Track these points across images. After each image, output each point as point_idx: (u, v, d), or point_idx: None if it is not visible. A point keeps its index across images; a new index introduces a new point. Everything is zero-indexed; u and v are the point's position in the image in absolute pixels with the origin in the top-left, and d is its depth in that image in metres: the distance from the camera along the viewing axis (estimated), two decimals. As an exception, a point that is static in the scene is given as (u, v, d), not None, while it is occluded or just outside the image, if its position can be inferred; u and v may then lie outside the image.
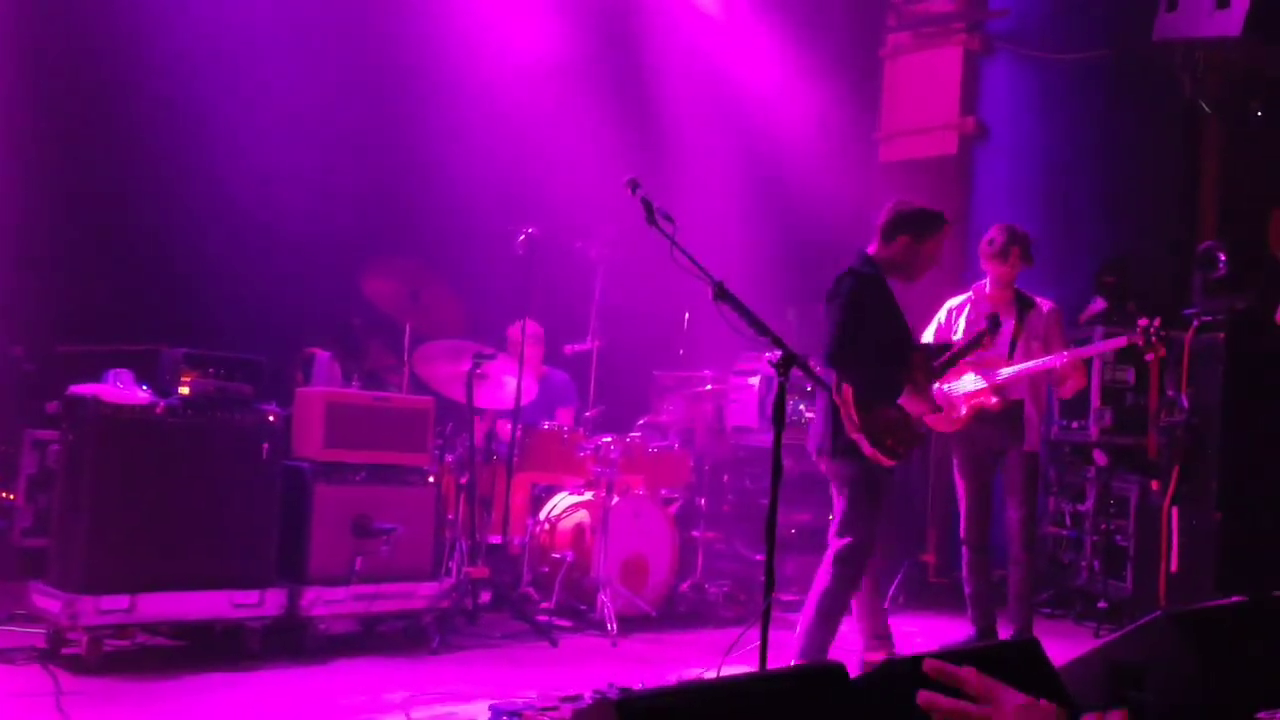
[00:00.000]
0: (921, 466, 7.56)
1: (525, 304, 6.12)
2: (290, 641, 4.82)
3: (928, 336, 5.77)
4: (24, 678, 4.18)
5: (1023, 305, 5.66)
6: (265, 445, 4.81)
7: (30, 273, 6.16)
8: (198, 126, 6.52)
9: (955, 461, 5.70)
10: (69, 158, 6.48)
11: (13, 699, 3.93)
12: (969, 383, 5.54)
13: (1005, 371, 5.46)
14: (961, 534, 5.64)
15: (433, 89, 7.32)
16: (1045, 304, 5.73)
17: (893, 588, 6.78)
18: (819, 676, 1.93)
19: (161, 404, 4.59)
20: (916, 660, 2.00)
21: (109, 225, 6.61)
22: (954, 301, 5.85)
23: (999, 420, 5.51)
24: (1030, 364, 5.44)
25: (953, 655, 2.18)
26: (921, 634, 6.14)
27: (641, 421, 6.64)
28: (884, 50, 8.92)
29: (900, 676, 1.91)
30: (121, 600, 4.37)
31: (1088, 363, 6.12)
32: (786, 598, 6.81)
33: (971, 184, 8.44)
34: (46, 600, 4.45)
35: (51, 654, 4.41)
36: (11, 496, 5.92)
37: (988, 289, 5.73)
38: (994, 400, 5.47)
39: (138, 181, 6.58)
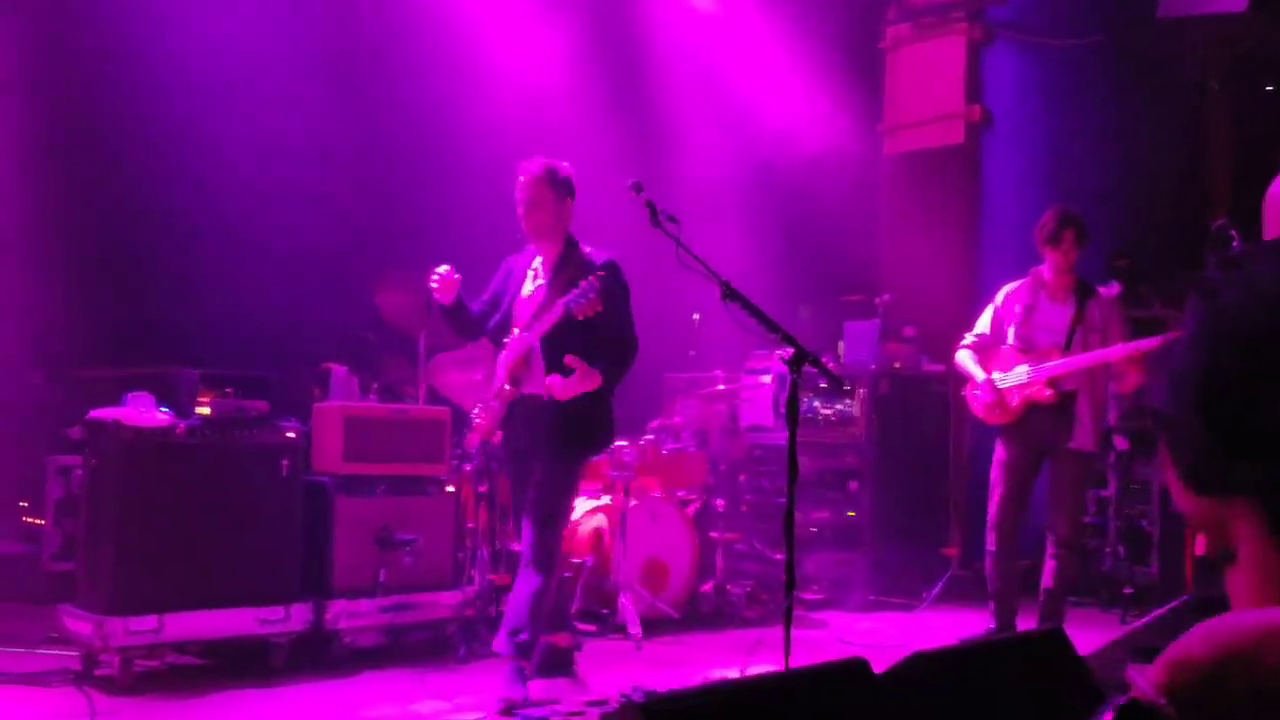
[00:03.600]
0: (941, 457, 7.55)
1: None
2: (317, 655, 4.86)
3: (983, 321, 5.58)
4: (60, 700, 4.23)
5: (1083, 292, 5.39)
6: (285, 461, 4.85)
7: (48, 300, 6.23)
8: (209, 151, 6.60)
9: (1000, 455, 5.44)
10: (82, 188, 6.58)
11: (48, 722, 3.98)
12: (1021, 374, 5.33)
13: (1058, 364, 5.22)
14: (990, 528, 5.45)
15: (438, 103, 7.37)
16: (1109, 290, 5.47)
17: (936, 589, 6.77)
18: (842, 673, 1.95)
19: (182, 425, 4.64)
20: (940, 654, 2.02)
21: (123, 251, 6.70)
22: (1010, 286, 5.59)
23: (1052, 415, 5.27)
24: (1084, 356, 5.20)
25: (978, 647, 2.20)
26: (944, 627, 6.15)
27: (654, 424, 6.65)
28: (884, 43, 8.92)
29: (925, 671, 1.93)
30: (150, 621, 4.42)
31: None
32: (809, 596, 6.83)
33: (980, 172, 8.43)
34: (77, 623, 4.50)
35: (85, 675, 4.46)
36: (40, 521, 5.99)
37: (1046, 274, 5.46)
38: (1047, 393, 5.23)
39: (150, 208, 6.68)
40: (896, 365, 7.35)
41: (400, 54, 7.40)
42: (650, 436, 6.43)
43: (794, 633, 3.58)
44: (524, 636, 4.26)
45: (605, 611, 5.89)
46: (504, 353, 4.49)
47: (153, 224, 6.71)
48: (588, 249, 4.53)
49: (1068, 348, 5.28)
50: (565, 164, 4.53)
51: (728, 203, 8.33)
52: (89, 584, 4.59)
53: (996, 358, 5.48)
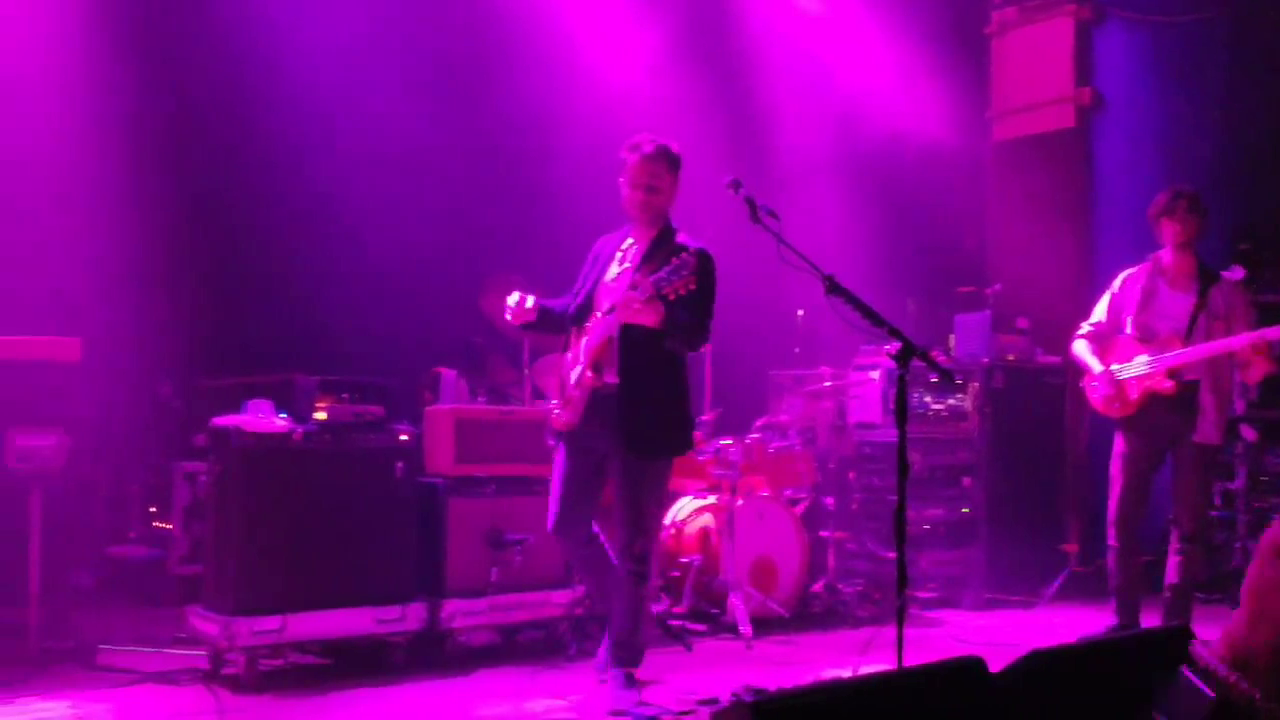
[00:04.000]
0: (1057, 451, 7.36)
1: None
2: (432, 654, 4.95)
3: (1100, 309, 5.42)
4: (189, 698, 4.39)
5: (1205, 278, 5.18)
6: (399, 464, 4.95)
7: (175, 314, 6.48)
8: (323, 164, 6.83)
9: (1120, 448, 5.28)
10: (205, 207, 6.87)
11: (180, 719, 4.13)
12: (1140, 365, 5.16)
13: (1179, 353, 5.03)
14: (1111, 523, 5.28)
15: (536, 105, 7.46)
16: (1232, 275, 5.26)
17: (1055, 585, 6.62)
18: (957, 672, 1.91)
19: (300, 431, 4.77)
20: (1057, 652, 1.97)
21: (244, 265, 6.97)
22: (1128, 271, 5.42)
23: (1174, 406, 5.09)
24: (1206, 346, 4.99)
25: (1098, 645, 2.13)
26: (1064, 625, 5.99)
27: (760, 422, 6.61)
28: (990, 28, 8.74)
29: (1041, 669, 1.89)
30: (273, 621, 4.55)
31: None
32: (923, 594, 6.73)
33: (1092, 156, 8.20)
34: (204, 623, 4.66)
35: (213, 674, 4.62)
36: (168, 526, 6.23)
37: (1165, 259, 5.28)
38: (1168, 384, 5.04)
39: (268, 222, 6.94)
40: (1010, 357, 7.19)
41: (497, 59, 7.52)
42: (756, 435, 6.40)
43: (908, 632, 3.53)
44: (629, 645, 4.28)
45: (715, 611, 5.88)
46: (586, 338, 4.29)
47: (272, 238, 6.96)
48: (684, 236, 4.35)
49: (1189, 336, 5.09)
50: (675, 143, 4.41)
51: (831, 196, 8.26)
52: (215, 586, 4.75)
53: (1115, 347, 5.32)
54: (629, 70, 7.82)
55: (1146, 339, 5.18)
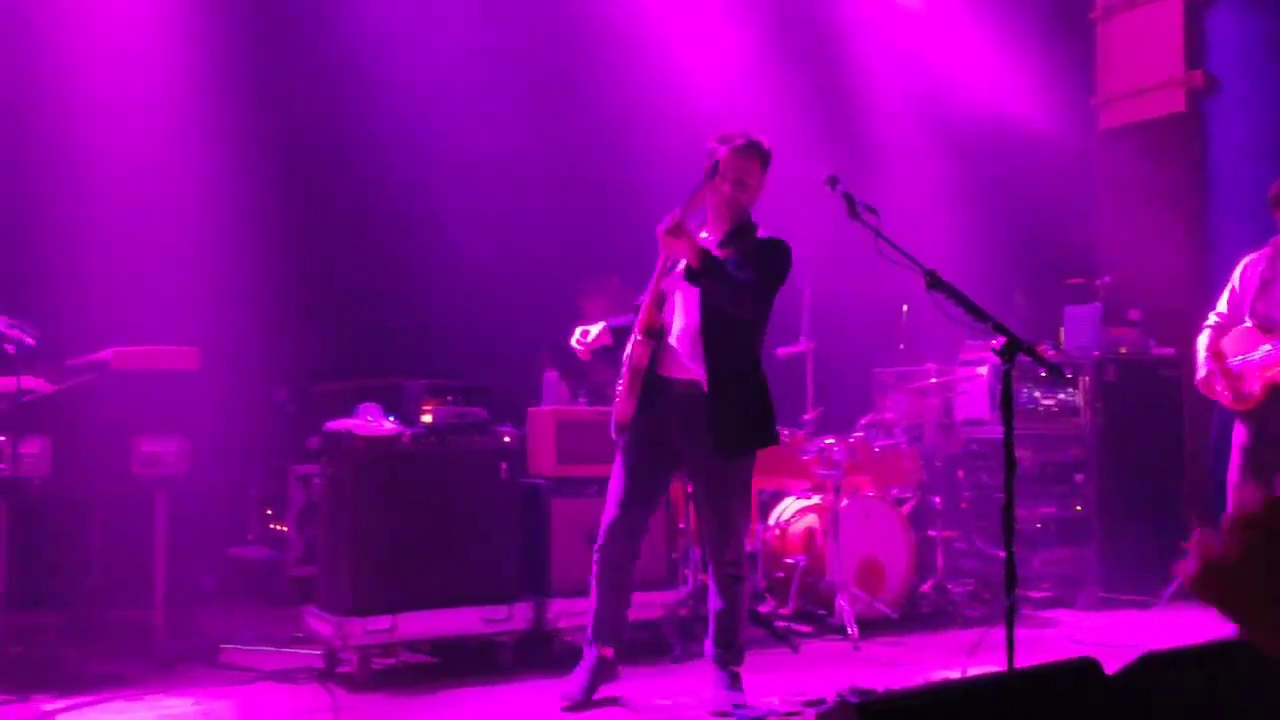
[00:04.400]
0: (1176, 446, 7.13)
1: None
2: (539, 653, 5.01)
3: (1222, 299, 5.26)
4: (306, 696, 4.52)
5: None
6: (504, 465, 5.03)
7: (289, 322, 6.69)
8: (426, 171, 6.99)
9: (1240, 443, 5.11)
10: (317, 219, 7.07)
11: (297, 716, 4.27)
12: (1261, 355, 4.99)
13: None
14: None
15: (633, 112, 7.50)
16: None
17: (1174, 585, 6.42)
18: (1071, 674, 1.87)
19: (408, 433, 4.87)
20: (1177, 654, 1.91)
21: (351, 273, 7.18)
22: (1249, 258, 5.24)
23: None
24: None
25: (1218, 647, 2.07)
26: (1184, 626, 5.80)
27: (864, 421, 6.53)
28: (1094, 13, 8.52)
29: (1160, 671, 1.83)
30: (385, 621, 4.66)
31: None
32: (1035, 594, 6.58)
33: (1205, 141, 7.93)
34: (319, 623, 4.80)
35: (328, 673, 4.75)
36: (284, 528, 6.42)
37: None
38: None
39: (374, 231, 7.15)
40: (1122, 350, 6.99)
41: (589, 61, 7.58)
42: (860, 434, 6.33)
43: (1020, 632, 3.46)
44: (732, 645, 4.25)
45: (821, 612, 5.84)
46: (640, 311, 4.14)
47: (379, 246, 7.18)
48: (764, 232, 4.23)
49: None
50: (766, 138, 4.30)
51: (934, 189, 8.14)
52: (329, 587, 4.89)
53: (1237, 338, 5.14)
54: (721, 69, 7.82)
55: (1267, 328, 4.99)
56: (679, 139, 7.43)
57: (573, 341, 4.31)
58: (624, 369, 4.13)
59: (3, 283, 5.39)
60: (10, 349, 4.47)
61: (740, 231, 4.19)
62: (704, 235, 4.32)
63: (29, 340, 4.51)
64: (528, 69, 7.48)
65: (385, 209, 7.14)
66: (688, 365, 4.09)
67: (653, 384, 4.11)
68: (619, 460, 4.26)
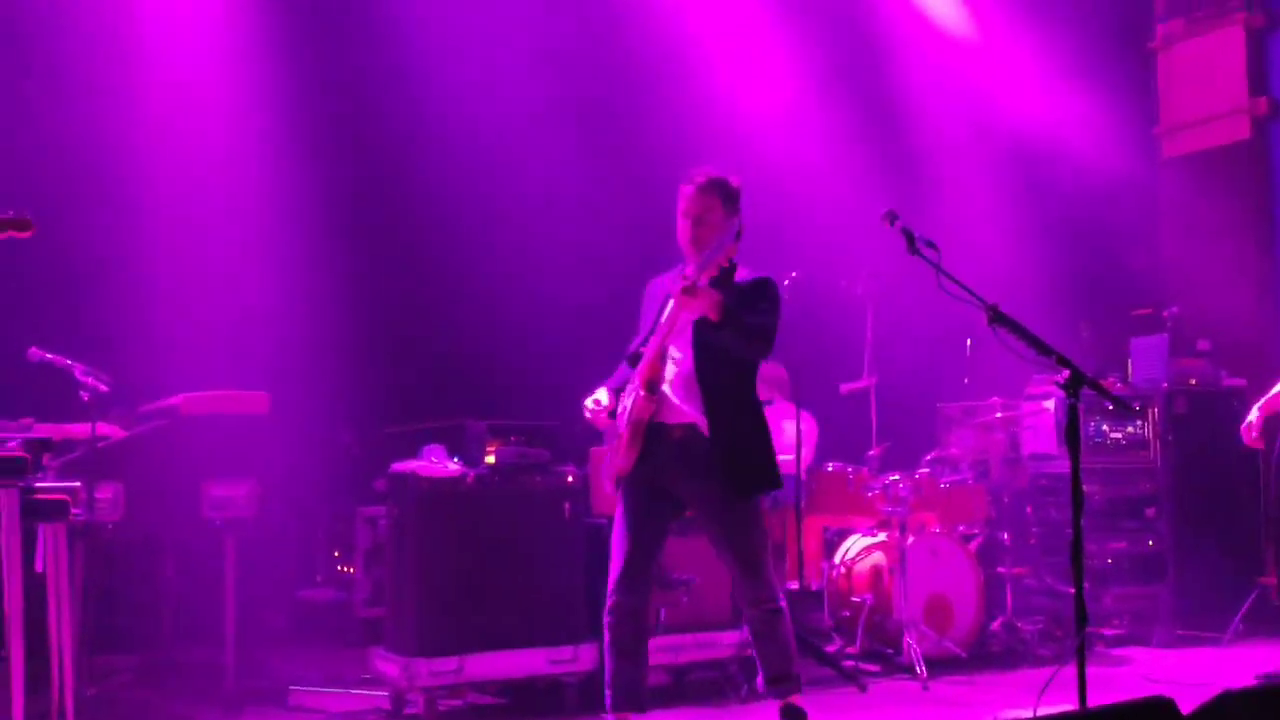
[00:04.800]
0: (1251, 478, 6.96)
1: (793, 348, 6.13)
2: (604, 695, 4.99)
3: None
4: (373, 736, 4.55)
5: None
6: (567, 505, 5.05)
7: (355, 364, 6.81)
8: (489, 219, 7.11)
9: None
10: (379, 263, 7.24)
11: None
12: None
13: None
14: None
15: (693, 153, 7.54)
16: None
17: (1236, 618, 6.26)
18: (1145, 712, 1.84)
19: (471, 474, 4.92)
20: (1255, 693, 1.87)
21: (414, 316, 7.28)
22: None
23: None
24: None
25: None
26: (1261, 663, 5.64)
27: (929, 456, 6.47)
28: (1154, 43, 8.45)
29: (1237, 710, 1.80)
30: (451, 662, 4.69)
31: None
32: (1108, 631, 6.44)
33: (1271, 167, 7.81)
34: (386, 664, 4.83)
35: (395, 714, 4.78)
36: (351, 570, 6.49)
37: None
38: None
39: (437, 276, 7.26)
40: (1192, 382, 6.86)
41: (647, 98, 7.67)
42: (925, 470, 6.26)
43: (1093, 670, 3.40)
44: (788, 676, 4.09)
45: (889, 651, 5.76)
46: (640, 364, 4.00)
47: (442, 290, 7.31)
48: (744, 271, 4.10)
49: None
50: (736, 177, 4.19)
51: (997, 221, 8.09)
52: (395, 628, 4.93)
53: None
54: (777, 103, 7.87)
55: None
56: (748, 180, 7.48)
57: (586, 412, 4.16)
58: (622, 423, 4.01)
59: (77, 331, 5.54)
60: (85, 396, 4.60)
61: (724, 275, 4.04)
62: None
63: (103, 387, 4.63)
64: (589, 110, 7.58)
65: (449, 252, 7.25)
66: (684, 409, 3.97)
67: (649, 432, 3.99)
68: (620, 513, 4.07)
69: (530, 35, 7.45)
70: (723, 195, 4.10)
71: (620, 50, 7.66)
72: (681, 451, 3.95)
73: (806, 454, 6.60)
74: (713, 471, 3.92)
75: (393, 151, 7.21)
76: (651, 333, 4.04)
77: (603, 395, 4.12)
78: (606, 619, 4.00)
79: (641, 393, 3.92)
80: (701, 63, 7.82)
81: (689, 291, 3.78)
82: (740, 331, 3.89)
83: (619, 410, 4.07)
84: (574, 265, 7.24)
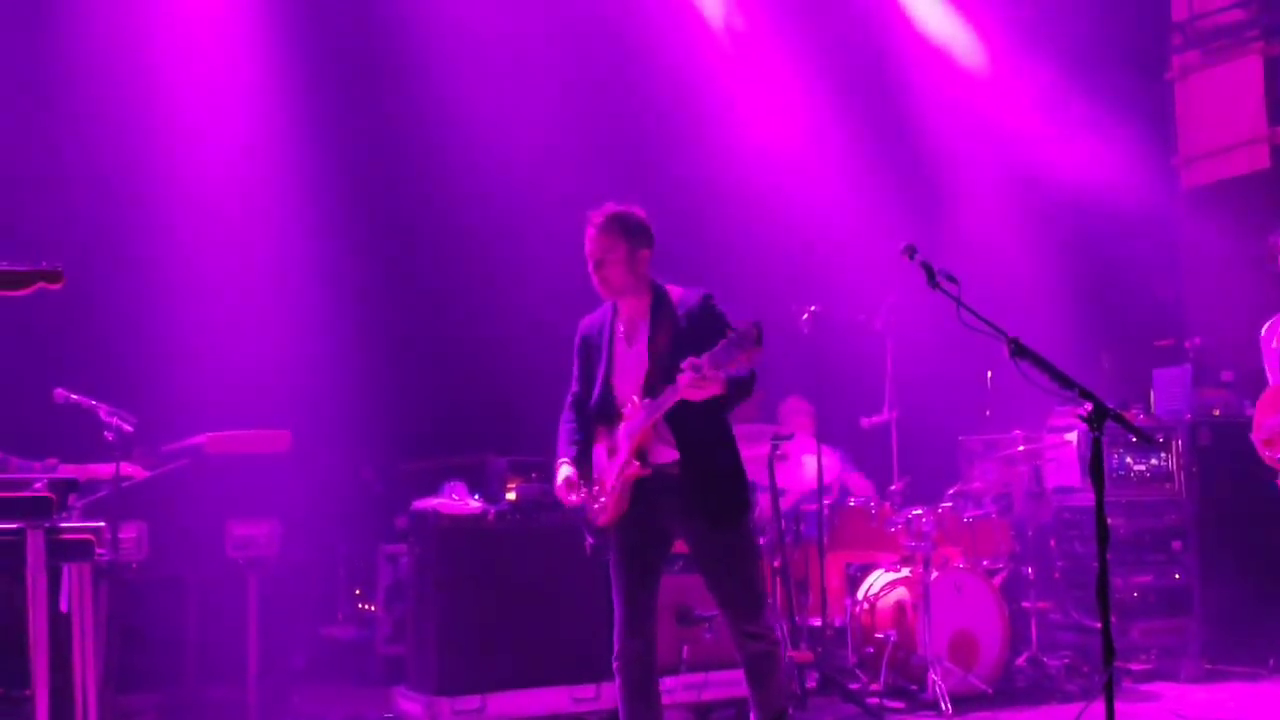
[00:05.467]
0: (1277, 509, 6.88)
1: (813, 382, 6.14)
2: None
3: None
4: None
5: None
6: (588, 542, 5.04)
7: (376, 402, 6.84)
8: (509, 255, 7.14)
9: None
10: (399, 300, 7.27)
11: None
12: None
13: None
14: None
15: (714, 185, 7.60)
16: None
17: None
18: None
19: (492, 511, 4.93)
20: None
21: (434, 353, 7.31)
22: (1269, 322, 5.26)
23: None
24: None
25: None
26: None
27: (952, 490, 6.43)
28: (1171, 73, 8.47)
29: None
30: (474, 701, 4.67)
31: None
32: (1135, 666, 6.37)
33: (1291, 198, 7.80)
34: (409, 703, 4.83)
35: (417, 753, 4.76)
36: (372, 607, 6.48)
37: None
38: None
39: (458, 312, 7.29)
40: (1215, 413, 6.81)
41: (666, 131, 7.71)
42: (948, 504, 6.23)
43: (1120, 706, 3.36)
44: (783, 717, 3.97)
45: (914, 688, 5.71)
46: (624, 425, 3.89)
47: (463, 326, 7.32)
48: (677, 292, 4.01)
49: None
50: (638, 209, 4.10)
51: (1016, 254, 8.09)
52: (417, 666, 4.92)
53: (1278, 398, 5.01)
54: (798, 139, 7.90)
55: None
56: (760, 210, 7.53)
57: (563, 499, 4.03)
58: (611, 482, 3.88)
59: (101, 371, 5.58)
60: (110, 436, 4.62)
61: (659, 301, 3.97)
62: (616, 315, 4.09)
63: (127, 427, 4.66)
64: (614, 149, 7.61)
65: (470, 288, 7.29)
66: (661, 449, 3.86)
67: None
68: (614, 560, 3.98)
69: (556, 76, 7.51)
70: (625, 231, 4.00)
71: (644, 89, 7.72)
72: (668, 491, 3.85)
73: (830, 488, 6.59)
74: (702, 505, 3.84)
75: (414, 190, 7.28)
76: (608, 379, 3.96)
77: (568, 473, 3.97)
78: (615, 664, 3.93)
79: (635, 462, 3.82)
80: (723, 100, 7.88)
81: (697, 385, 3.64)
82: (742, 391, 3.81)
83: (594, 471, 3.97)
84: (594, 301, 7.26)
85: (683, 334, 3.84)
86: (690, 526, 3.88)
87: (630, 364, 3.94)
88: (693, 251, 7.65)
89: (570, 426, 4.08)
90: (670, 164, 7.62)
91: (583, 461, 4.00)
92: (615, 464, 3.88)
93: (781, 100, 8.03)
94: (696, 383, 3.61)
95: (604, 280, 3.98)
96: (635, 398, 3.85)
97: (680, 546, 4.26)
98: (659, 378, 3.80)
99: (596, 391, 4.00)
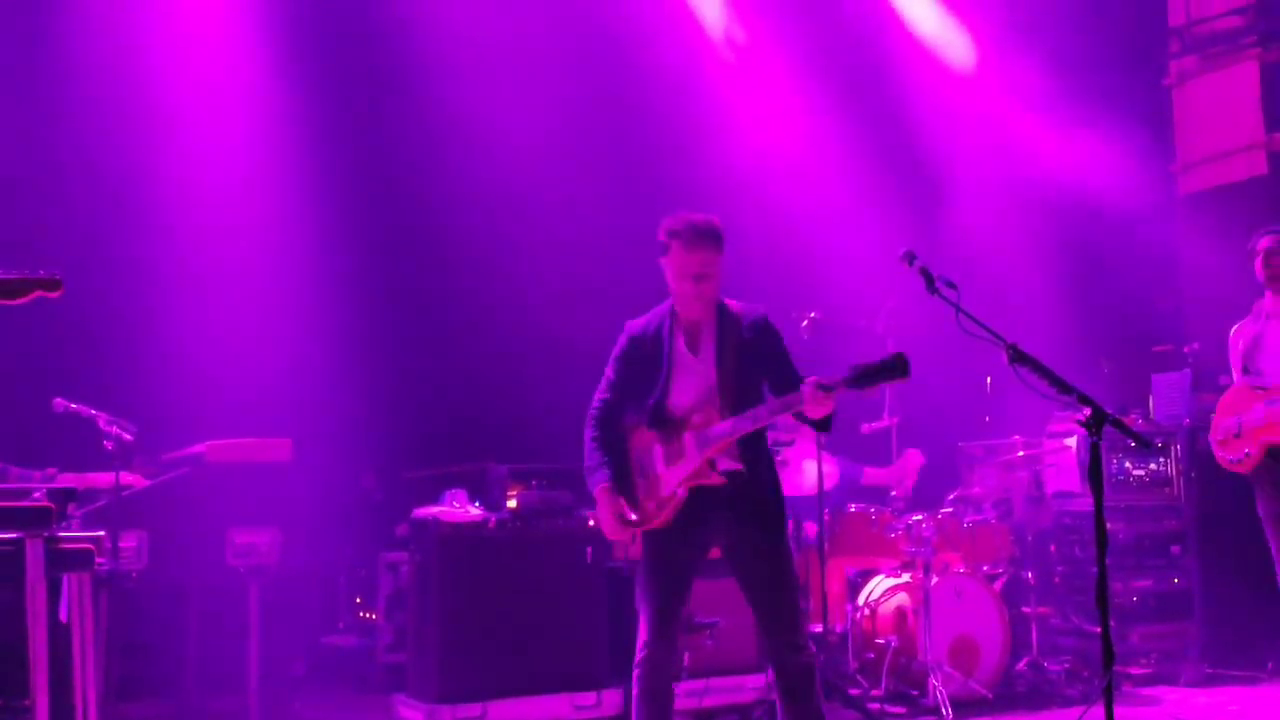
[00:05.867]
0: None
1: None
2: (629, 740, 4.97)
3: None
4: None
5: None
6: (589, 549, 5.05)
7: (376, 410, 6.84)
8: (511, 262, 7.15)
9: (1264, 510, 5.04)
10: (399, 308, 7.27)
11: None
12: (1256, 413, 4.89)
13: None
14: None
15: (713, 192, 7.60)
16: None
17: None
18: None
19: (493, 519, 4.93)
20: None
21: (435, 360, 7.31)
22: (1239, 324, 5.28)
23: None
24: None
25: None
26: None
27: (952, 496, 6.44)
28: (1169, 80, 8.48)
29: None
30: (474, 709, 4.67)
31: None
32: (1135, 671, 6.37)
33: (1290, 203, 7.81)
34: (410, 711, 4.82)
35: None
36: (373, 616, 6.48)
37: (1267, 303, 5.10)
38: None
39: (458, 320, 7.29)
40: (1214, 417, 6.80)
41: (668, 144, 7.72)
42: (949, 509, 6.24)
43: (1121, 711, 3.37)
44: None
45: (915, 693, 5.70)
46: (694, 433, 3.86)
47: (464, 334, 7.33)
48: (735, 305, 4.05)
49: None
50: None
51: (1015, 260, 8.09)
52: (418, 674, 4.92)
53: (1235, 399, 5.03)
54: (797, 144, 7.92)
55: (1259, 386, 4.87)
56: (761, 220, 7.54)
57: (617, 533, 3.97)
58: (669, 489, 3.88)
59: (101, 380, 5.59)
60: (109, 445, 4.63)
61: (724, 314, 4.00)
62: (672, 322, 4.06)
63: (127, 436, 4.67)
64: (615, 155, 7.63)
65: (470, 296, 7.30)
66: (723, 460, 3.89)
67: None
68: (648, 562, 3.94)
69: (556, 82, 7.53)
70: (723, 245, 4.01)
71: (643, 96, 7.73)
72: (723, 497, 3.87)
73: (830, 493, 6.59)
74: (760, 514, 3.89)
75: (415, 198, 7.29)
76: (666, 385, 3.95)
77: (618, 505, 3.94)
78: (637, 670, 3.89)
79: (713, 473, 3.84)
80: (721, 105, 7.90)
81: (821, 402, 3.67)
82: (827, 425, 3.88)
83: (637, 477, 3.96)
84: (594, 308, 7.26)
85: (747, 346, 3.91)
86: (744, 535, 3.89)
87: (694, 373, 3.94)
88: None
89: (600, 441, 4.04)
90: (669, 170, 7.63)
91: (617, 478, 3.97)
92: (677, 471, 3.87)
93: (781, 106, 8.06)
94: (821, 400, 3.64)
95: (701, 293, 3.95)
96: (713, 408, 3.86)
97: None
98: (730, 388, 3.86)
99: (654, 398, 3.98)
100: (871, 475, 6.74)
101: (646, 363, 4.02)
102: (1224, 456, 5.08)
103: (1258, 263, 5.15)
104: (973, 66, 8.50)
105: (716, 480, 3.84)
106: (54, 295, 2.94)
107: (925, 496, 6.44)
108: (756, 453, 3.92)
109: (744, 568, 3.93)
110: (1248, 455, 4.96)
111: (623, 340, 4.12)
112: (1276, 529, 5.00)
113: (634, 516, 3.91)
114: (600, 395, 4.11)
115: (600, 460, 3.99)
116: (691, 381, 3.93)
